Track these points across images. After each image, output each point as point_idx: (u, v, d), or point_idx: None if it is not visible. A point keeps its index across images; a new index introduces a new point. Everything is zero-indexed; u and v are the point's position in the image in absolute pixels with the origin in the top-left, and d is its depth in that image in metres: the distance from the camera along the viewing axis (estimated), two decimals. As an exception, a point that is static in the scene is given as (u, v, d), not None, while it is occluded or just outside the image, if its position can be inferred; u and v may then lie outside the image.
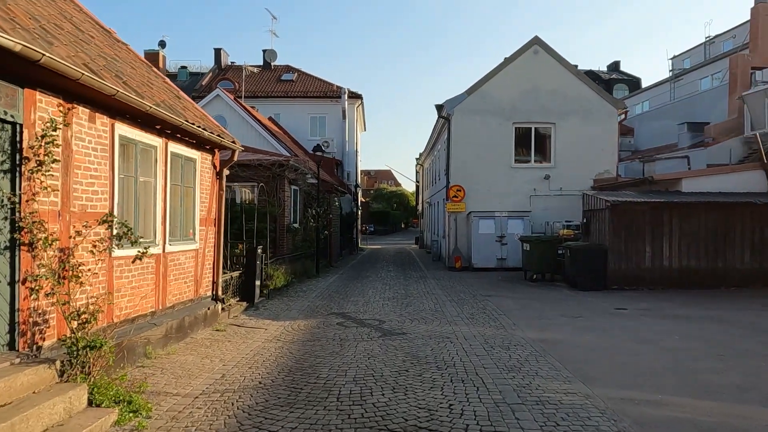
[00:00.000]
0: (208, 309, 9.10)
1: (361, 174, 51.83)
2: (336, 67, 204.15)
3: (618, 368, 6.69)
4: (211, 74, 40.98)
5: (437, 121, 22.75)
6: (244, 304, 11.06)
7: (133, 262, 6.23)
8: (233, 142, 9.65)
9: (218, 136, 8.78)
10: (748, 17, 30.37)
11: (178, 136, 7.91)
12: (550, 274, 16.02)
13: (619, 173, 21.69)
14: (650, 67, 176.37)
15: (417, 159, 42.54)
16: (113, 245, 5.95)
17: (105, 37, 8.37)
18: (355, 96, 35.43)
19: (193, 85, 39.61)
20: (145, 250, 6.06)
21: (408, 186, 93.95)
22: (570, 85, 20.67)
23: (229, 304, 10.36)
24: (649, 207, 14.00)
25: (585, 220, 15.54)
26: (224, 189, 9.81)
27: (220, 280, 9.74)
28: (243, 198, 18.55)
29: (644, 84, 46.50)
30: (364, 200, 79.06)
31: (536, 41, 20.81)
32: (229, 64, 41.96)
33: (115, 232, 5.57)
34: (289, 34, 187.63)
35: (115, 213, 6.29)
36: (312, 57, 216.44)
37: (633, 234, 14.01)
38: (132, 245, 5.99)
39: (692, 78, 37.54)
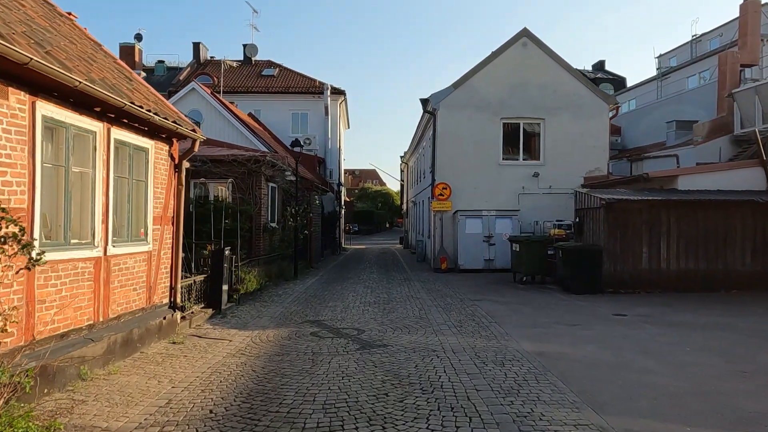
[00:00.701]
0: (164, 318, 8.05)
1: (345, 174, 50.99)
2: (319, 63, 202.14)
3: (631, 389, 5.80)
4: (189, 69, 39.69)
5: (422, 116, 21.87)
6: (210, 311, 10.03)
7: (55, 268, 5.18)
8: (193, 130, 8.61)
9: (174, 122, 7.74)
10: (736, 15, 29.97)
11: (125, 121, 6.86)
12: (540, 277, 15.19)
13: (610, 171, 20.96)
14: (635, 68, 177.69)
15: (402, 157, 41.66)
16: (31, 250, 4.88)
17: (43, 8, 7.29)
18: (338, 92, 34.39)
19: (170, 80, 38.29)
20: (39, 257, 4.91)
21: (393, 186, 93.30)
22: (560, 80, 19.90)
23: (192, 312, 9.32)
24: (646, 205, 13.20)
25: (577, 220, 14.72)
26: (184, 183, 8.75)
27: (180, 286, 8.69)
28: (218, 196, 17.50)
29: (629, 83, 46.11)
30: (348, 200, 78.14)
31: (525, 33, 19.99)
32: (209, 59, 40.71)
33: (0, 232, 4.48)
34: (271, 29, 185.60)
35: (38, 208, 5.25)
36: (295, 53, 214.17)
37: (629, 234, 13.21)
38: (56, 249, 4.94)
39: (679, 76, 37.16)
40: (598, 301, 12.12)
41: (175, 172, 8.58)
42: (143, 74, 37.71)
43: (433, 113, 20.02)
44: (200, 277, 10.06)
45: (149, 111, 6.87)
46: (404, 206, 45.47)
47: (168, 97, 26.80)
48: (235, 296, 11.50)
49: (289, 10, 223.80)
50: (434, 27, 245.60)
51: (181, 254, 8.73)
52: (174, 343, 7.96)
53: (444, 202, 19.62)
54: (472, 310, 10.83)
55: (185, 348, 7.71)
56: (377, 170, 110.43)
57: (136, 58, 38.75)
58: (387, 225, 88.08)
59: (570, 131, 19.86)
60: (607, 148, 20.11)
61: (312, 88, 34.00)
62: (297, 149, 17.18)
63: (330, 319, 9.97)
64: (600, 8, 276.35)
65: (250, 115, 31.07)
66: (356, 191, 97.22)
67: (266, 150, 21.19)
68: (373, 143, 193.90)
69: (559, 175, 19.82)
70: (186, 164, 8.76)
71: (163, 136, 8.08)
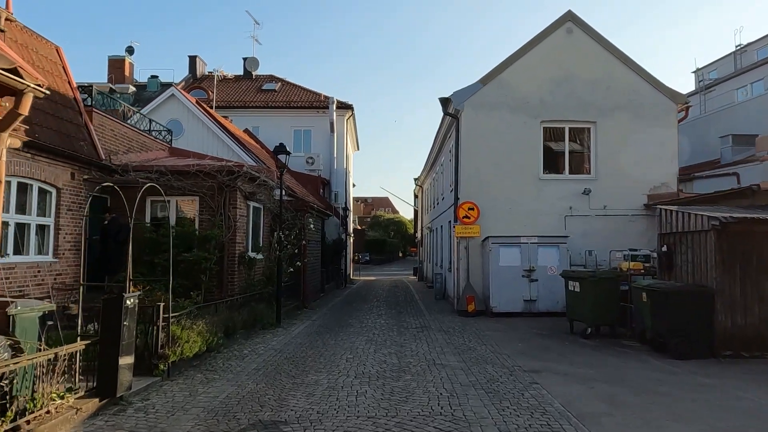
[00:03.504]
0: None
1: (356, 202, 47.34)
2: (326, 81, 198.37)
3: None
4: (183, 83, 36.40)
5: (441, 122, 18.00)
6: (96, 401, 5.96)
7: None
8: (40, 86, 4.68)
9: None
10: None
11: None
12: (610, 327, 10.96)
13: (681, 188, 16.80)
14: (672, 83, 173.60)
15: (415, 180, 37.74)
16: None
17: None
18: (344, 106, 30.73)
19: (163, 96, 35.00)
20: None
21: (406, 214, 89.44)
22: (614, 73, 15.93)
23: (56, 407, 5.29)
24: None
25: (665, 248, 10.51)
26: (4, 173, 4.80)
27: (22, 365, 4.68)
28: (183, 217, 13.69)
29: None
30: (360, 228, 74.34)
31: (570, 17, 16.13)
32: (206, 74, 37.42)
33: None
34: (275, 44, 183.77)
35: None
36: (300, 70, 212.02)
37: (755, 270, 8.98)
38: None
39: (726, 89, 33.10)
40: (726, 374, 7.86)
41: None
42: (133, 89, 34.54)
43: (455, 116, 16.09)
44: (80, 345, 6.00)
45: None
46: (418, 234, 41.37)
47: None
48: (162, 366, 7.43)
49: (296, 24, 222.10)
50: (451, 31, 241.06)
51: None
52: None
53: (470, 226, 15.54)
54: (535, 398, 6.63)
55: None
56: (389, 197, 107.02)
57: (126, 72, 35.56)
58: (400, 254, 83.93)
59: (628, 137, 15.80)
60: (676, 158, 15.96)
61: (316, 103, 30.45)
62: (282, 157, 13.26)
63: (297, 420, 5.84)
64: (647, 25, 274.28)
65: (246, 131, 27.49)
66: (368, 219, 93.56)
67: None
68: (385, 169, 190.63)
69: (615, 192, 15.71)
70: (9, 139, 4.81)
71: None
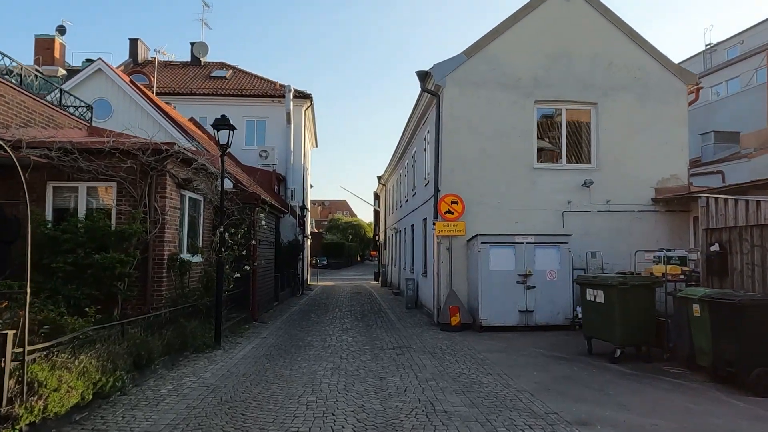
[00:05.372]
0: None
1: (314, 205, 44.46)
2: (284, 77, 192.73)
3: None
4: (122, 69, 32.81)
5: (419, 98, 15.47)
6: None
7: None
8: None
9: None
10: (756, 20, 25.35)
11: None
12: (645, 348, 8.66)
13: (691, 181, 14.86)
14: None
15: (378, 178, 35.17)
16: None
17: None
18: (302, 96, 27.90)
19: (99, 81, 31.26)
20: None
21: (365, 217, 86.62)
22: (618, 48, 13.82)
23: None
24: None
25: (715, 248, 8.28)
26: None
27: None
28: (95, 208, 10.77)
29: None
30: (317, 231, 71.18)
31: (567, -18, 13.96)
32: (150, 59, 33.84)
33: None
34: (230, 33, 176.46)
35: None
36: (257, 62, 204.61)
37: None
38: None
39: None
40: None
41: None
42: (64, 73, 30.71)
43: (436, 93, 13.61)
44: None
45: None
46: (379, 236, 38.79)
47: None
48: (18, 427, 4.59)
49: (253, 12, 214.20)
50: (419, 14, 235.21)
51: None
52: None
53: (454, 222, 13.08)
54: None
55: None
56: (348, 201, 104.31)
57: (57, 54, 31.64)
58: (358, 258, 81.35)
59: (633, 121, 13.73)
60: (687, 147, 13.96)
61: (271, 91, 27.57)
62: (222, 131, 10.37)
63: None
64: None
65: (192, 120, 24.35)
66: (325, 222, 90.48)
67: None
68: (343, 171, 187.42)
69: (618, 184, 13.60)
70: None
71: None
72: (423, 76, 13.80)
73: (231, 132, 10.77)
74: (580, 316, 12.06)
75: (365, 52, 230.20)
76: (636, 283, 8.44)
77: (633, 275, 9.01)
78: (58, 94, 13.75)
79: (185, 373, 7.98)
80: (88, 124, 14.05)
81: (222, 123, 10.52)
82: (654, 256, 9.58)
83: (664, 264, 9.01)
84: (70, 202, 10.54)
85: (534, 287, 12.11)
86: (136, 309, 10.27)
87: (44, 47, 31.21)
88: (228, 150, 11.07)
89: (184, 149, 10.88)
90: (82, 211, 10.29)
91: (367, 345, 10.56)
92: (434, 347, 10.20)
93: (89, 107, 14.55)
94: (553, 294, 12.10)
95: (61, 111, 12.99)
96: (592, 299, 9.08)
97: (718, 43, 37.20)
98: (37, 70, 30.98)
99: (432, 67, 13.46)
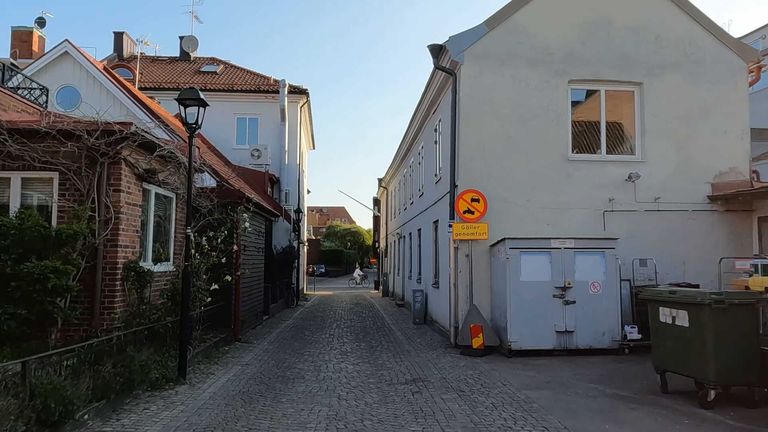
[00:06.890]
0: None
1: (311, 211, 42.42)
2: (284, 75, 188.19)
3: None
4: (105, 62, 30.73)
5: (430, 79, 13.31)
6: None
7: None
8: None
9: None
10: None
11: None
12: (748, 389, 6.47)
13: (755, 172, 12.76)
14: None
15: (379, 180, 33.04)
16: None
17: None
18: (298, 91, 25.79)
19: (81, 77, 29.14)
20: None
21: (363, 224, 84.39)
22: (665, 18, 11.73)
23: None
24: None
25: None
26: None
27: None
28: (32, 204, 8.70)
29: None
30: (314, 238, 68.93)
31: (605, -59, 11.87)
32: (136, 55, 31.80)
33: None
34: (222, 28, 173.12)
35: None
36: (251, 59, 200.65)
37: None
38: None
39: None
40: None
41: None
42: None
43: (452, 71, 11.49)
44: None
45: None
46: (380, 243, 36.59)
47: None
48: None
49: (246, 6, 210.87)
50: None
51: None
52: None
53: (475, 224, 10.92)
54: None
55: None
56: (346, 208, 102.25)
57: (35, 47, 29.48)
58: (357, 266, 79.14)
59: (684, 105, 11.62)
60: (748, 135, 11.83)
61: (264, 87, 25.44)
62: (190, 108, 8.21)
63: None
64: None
65: (178, 117, 22.18)
66: (323, 229, 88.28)
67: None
68: (341, 177, 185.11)
69: (668, 179, 11.47)
70: None
71: None
72: (437, 50, 11.67)
73: (202, 109, 8.61)
74: (629, 337, 9.98)
75: (367, 60, 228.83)
76: (736, 302, 6.26)
77: (730, 291, 6.83)
78: (20, 79, 11.68)
79: (125, 425, 5.78)
80: (41, 109, 11.91)
81: (190, 97, 8.35)
82: (750, 265, 7.41)
83: (761, 274, 6.84)
84: (1, 196, 8.44)
85: (574, 302, 9.92)
86: (82, 333, 8.15)
87: (21, 40, 29.04)
88: (198, 131, 8.89)
89: (144, 131, 8.73)
90: (13, 208, 8.17)
91: (372, 377, 8.36)
92: (458, 380, 8.01)
93: (43, 89, 12.42)
94: (598, 310, 9.92)
95: (8, 93, 10.87)
96: (670, 321, 6.90)
97: (741, 38, 35.24)
98: (12, 63, 28.71)
99: (447, 40, 11.33)
